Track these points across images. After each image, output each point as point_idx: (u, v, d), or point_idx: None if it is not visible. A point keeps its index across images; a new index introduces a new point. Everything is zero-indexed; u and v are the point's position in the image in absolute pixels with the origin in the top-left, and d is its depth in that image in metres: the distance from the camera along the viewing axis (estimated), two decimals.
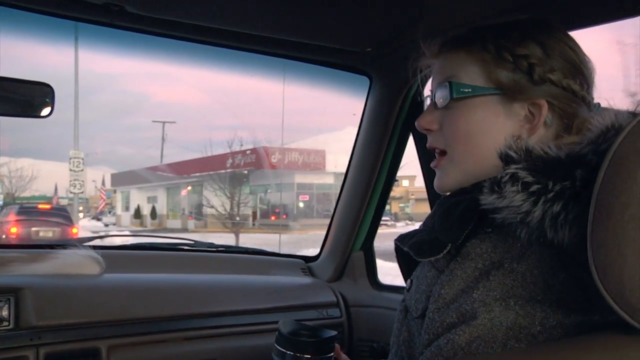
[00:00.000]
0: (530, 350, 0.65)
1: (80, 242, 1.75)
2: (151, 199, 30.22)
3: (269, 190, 24.17)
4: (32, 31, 1.60)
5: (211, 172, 20.40)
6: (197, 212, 25.59)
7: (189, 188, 26.82)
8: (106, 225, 27.63)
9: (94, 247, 1.69)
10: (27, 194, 32.07)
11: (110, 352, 1.42)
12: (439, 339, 0.79)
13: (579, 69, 0.89)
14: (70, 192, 17.70)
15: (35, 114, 1.32)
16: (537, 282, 0.74)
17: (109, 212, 34.31)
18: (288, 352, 1.07)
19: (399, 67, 1.63)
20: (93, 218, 31.50)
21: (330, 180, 21.27)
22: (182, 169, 25.41)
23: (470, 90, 0.89)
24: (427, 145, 0.97)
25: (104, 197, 31.25)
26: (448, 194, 0.96)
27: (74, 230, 13.45)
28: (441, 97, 0.91)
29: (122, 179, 32.88)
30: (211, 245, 2.13)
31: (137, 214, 29.91)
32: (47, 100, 1.31)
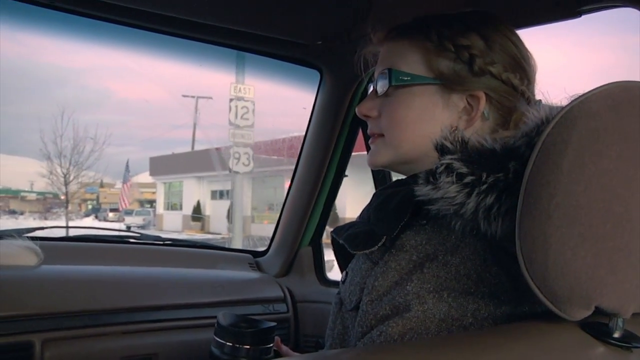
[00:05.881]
0: (457, 337, 0.65)
1: (18, 232, 1.68)
2: (219, 194, 21.08)
3: None
4: None
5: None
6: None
7: None
8: (128, 227, 18.73)
9: (33, 238, 1.63)
10: None
11: (45, 346, 1.36)
12: (372, 332, 0.79)
13: (519, 64, 0.90)
14: (232, 171, 9.78)
15: None
16: (470, 274, 0.74)
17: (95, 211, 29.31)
18: (227, 344, 1.06)
19: (348, 61, 1.62)
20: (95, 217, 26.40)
21: None
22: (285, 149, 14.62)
23: (409, 78, 0.89)
24: (367, 131, 0.98)
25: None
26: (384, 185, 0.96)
27: None
28: (381, 84, 0.92)
29: (168, 165, 23.07)
30: (158, 238, 2.09)
31: (198, 214, 21.64)
32: None
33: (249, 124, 9.44)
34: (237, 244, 9.88)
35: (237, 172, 9.73)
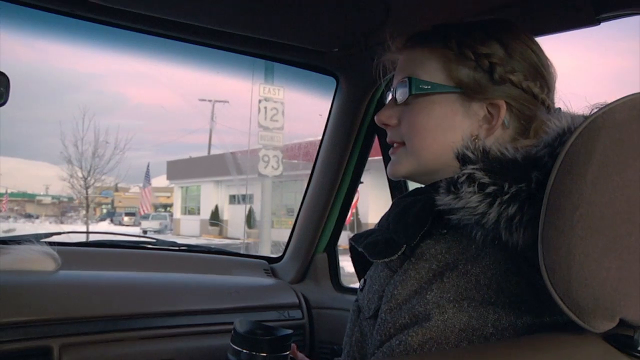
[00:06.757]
0: (479, 349, 0.65)
1: (36, 238, 1.69)
2: (237, 199, 20.50)
3: None
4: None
5: None
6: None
7: None
8: (145, 232, 19.67)
9: (51, 243, 1.64)
10: None
11: (62, 351, 1.37)
12: (391, 340, 0.78)
13: (540, 72, 0.89)
14: (260, 174, 9.38)
15: None
16: (491, 284, 0.74)
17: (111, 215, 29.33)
18: (243, 351, 1.06)
19: (365, 69, 1.62)
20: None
21: None
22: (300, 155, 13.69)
23: (429, 87, 0.89)
24: (387, 139, 0.97)
25: None
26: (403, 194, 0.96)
27: None
28: (401, 93, 0.91)
29: (186, 169, 23.27)
30: (173, 244, 2.10)
31: (215, 218, 21.27)
32: (1, 89, 1.26)
33: (279, 126, 9.05)
34: (265, 250, 9.61)
35: (266, 176, 9.36)
